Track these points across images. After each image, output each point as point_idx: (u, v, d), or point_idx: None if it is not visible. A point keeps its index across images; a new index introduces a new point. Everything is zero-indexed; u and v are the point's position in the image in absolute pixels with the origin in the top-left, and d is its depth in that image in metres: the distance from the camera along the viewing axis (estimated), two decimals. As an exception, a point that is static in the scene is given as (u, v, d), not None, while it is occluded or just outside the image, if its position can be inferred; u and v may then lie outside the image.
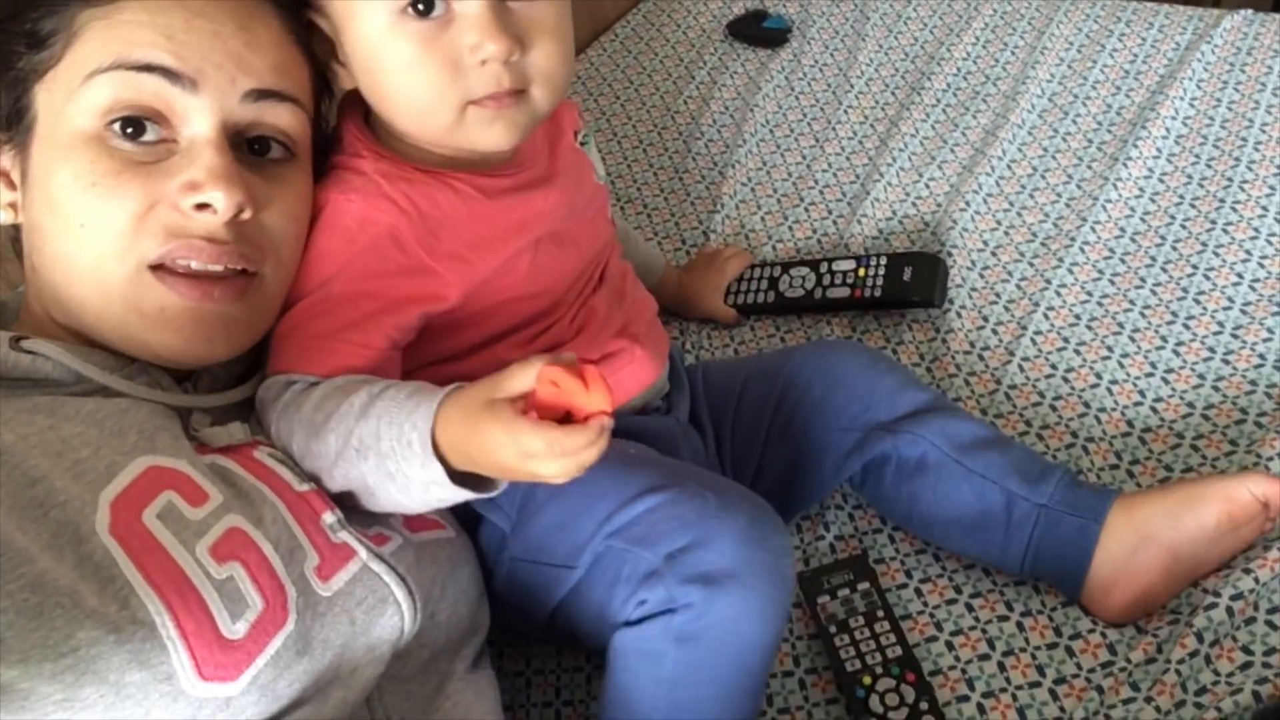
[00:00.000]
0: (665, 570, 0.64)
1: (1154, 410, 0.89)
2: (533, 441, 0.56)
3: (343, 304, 0.69)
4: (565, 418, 0.58)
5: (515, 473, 0.59)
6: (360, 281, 0.69)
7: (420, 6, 0.65)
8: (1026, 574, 0.77)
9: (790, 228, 1.17)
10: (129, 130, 0.63)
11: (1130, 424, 0.89)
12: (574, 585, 0.70)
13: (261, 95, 0.66)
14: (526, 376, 0.58)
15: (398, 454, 0.61)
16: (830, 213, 1.18)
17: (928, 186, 1.18)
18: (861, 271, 1.01)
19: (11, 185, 0.68)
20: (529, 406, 0.58)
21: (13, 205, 0.68)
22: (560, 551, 0.70)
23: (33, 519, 0.56)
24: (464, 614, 0.71)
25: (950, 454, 0.78)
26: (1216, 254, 1.02)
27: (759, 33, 1.47)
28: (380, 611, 0.64)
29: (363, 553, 0.65)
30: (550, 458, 0.57)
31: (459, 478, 0.61)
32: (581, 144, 0.83)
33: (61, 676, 0.53)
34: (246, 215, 0.65)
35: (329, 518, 0.65)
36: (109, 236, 0.63)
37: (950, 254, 1.08)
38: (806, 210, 1.19)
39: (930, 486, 0.78)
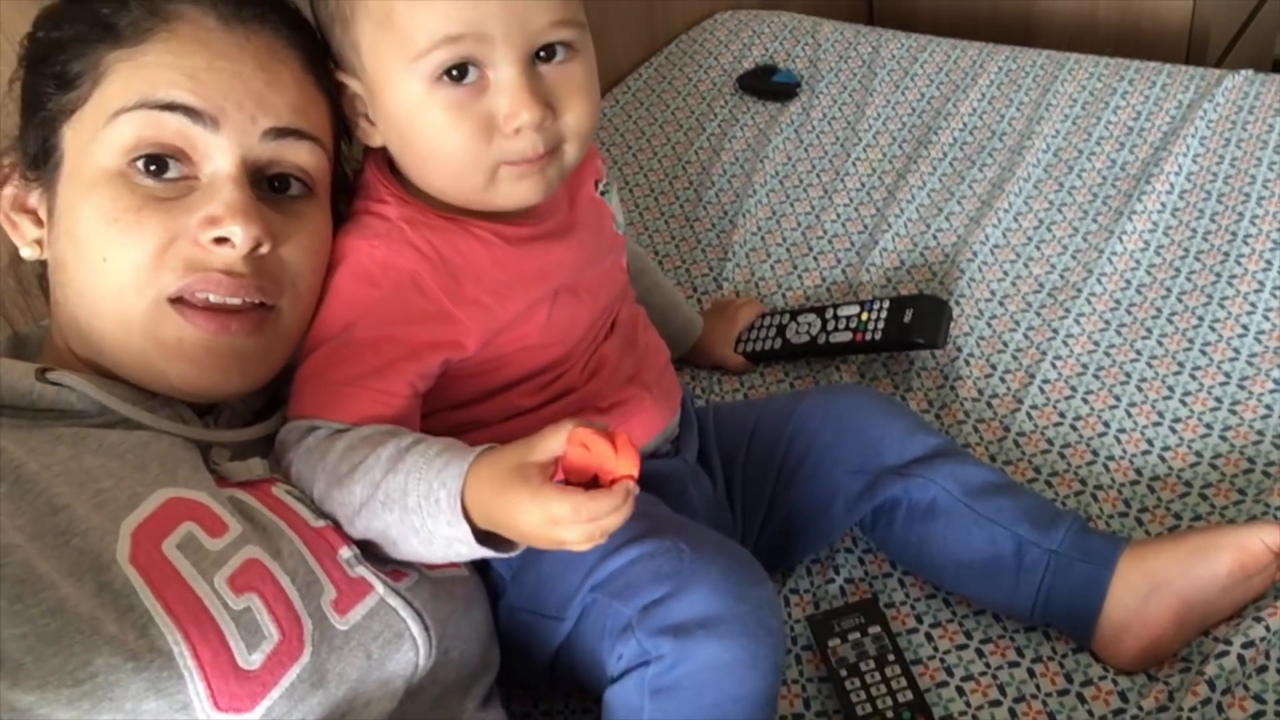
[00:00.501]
0: (637, 623, 0.65)
1: (1162, 459, 0.90)
2: (559, 507, 0.57)
3: (365, 350, 0.69)
4: (592, 483, 0.59)
5: (539, 539, 0.59)
6: (383, 327, 0.70)
7: (454, 73, 0.66)
8: (1037, 620, 0.77)
9: (800, 276, 1.18)
10: (152, 168, 0.65)
11: (1139, 472, 0.89)
12: (566, 637, 0.70)
13: (281, 134, 0.67)
14: (557, 441, 0.59)
15: (424, 510, 0.62)
16: (839, 261, 1.19)
17: (935, 238, 1.20)
18: (864, 316, 1.02)
19: (38, 222, 0.69)
20: (558, 470, 0.59)
21: (39, 241, 0.69)
22: (551, 602, 0.71)
23: (54, 546, 0.56)
24: (475, 652, 0.72)
25: (961, 498, 0.78)
26: (1222, 306, 1.04)
27: (769, 87, 1.50)
28: (396, 646, 0.64)
29: (379, 587, 0.65)
30: (575, 523, 0.58)
31: (482, 536, 0.62)
32: (602, 193, 0.84)
33: (79, 703, 0.53)
34: (264, 249, 0.66)
35: (345, 553, 0.65)
36: (130, 270, 0.64)
37: (958, 302, 1.09)
38: (815, 259, 1.20)
39: (940, 531, 0.79)
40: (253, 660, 0.58)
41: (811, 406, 0.86)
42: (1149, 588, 0.73)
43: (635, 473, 0.58)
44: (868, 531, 0.86)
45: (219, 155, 0.65)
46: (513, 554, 0.64)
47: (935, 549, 0.79)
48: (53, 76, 0.66)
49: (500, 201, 0.71)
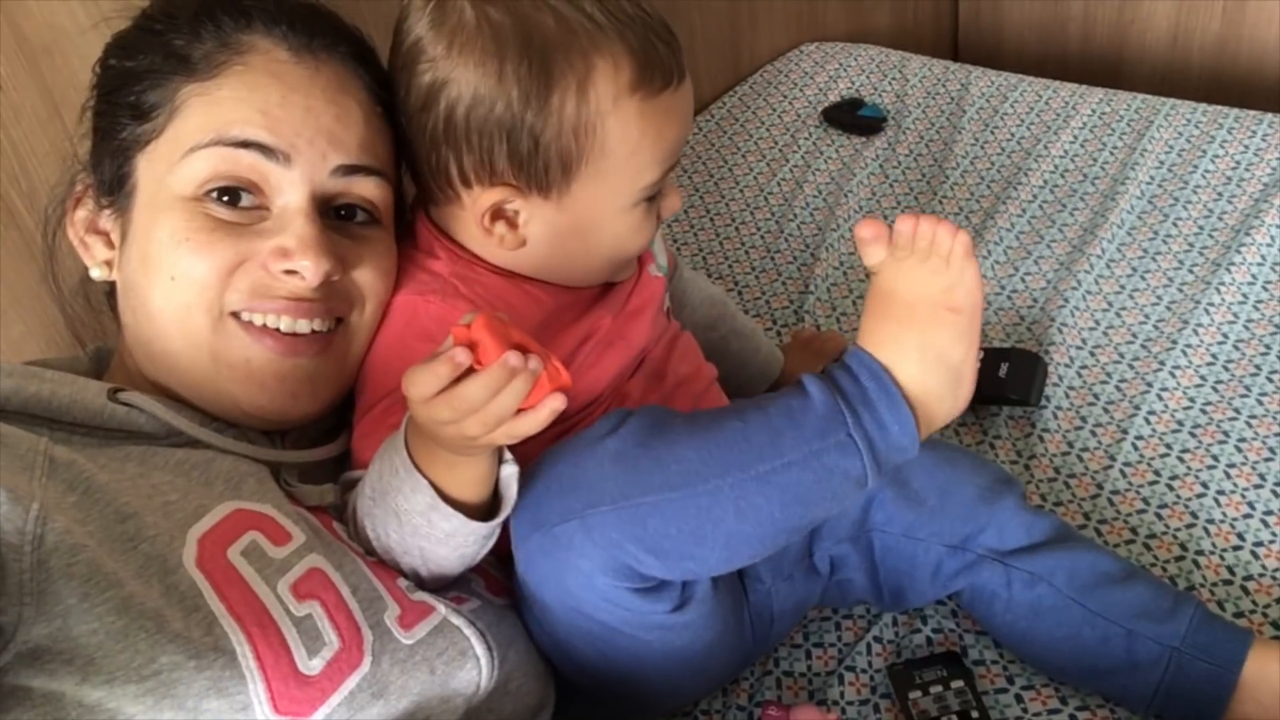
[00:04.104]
0: None
1: (1264, 524, 0.87)
2: (440, 410, 0.57)
3: None
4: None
5: (452, 443, 0.59)
6: None
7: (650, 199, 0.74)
8: (1152, 714, 0.73)
9: (883, 314, 1.16)
10: (225, 198, 0.66)
11: (1240, 537, 0.86)
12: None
13: (350, 170, 0.69)
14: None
15: (394, 488, 0.63)
16: (924, 301, 1.17)
17: (1024, 281, 1.17)
18: None
19: (110, 244, 0.71)
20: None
21: (109, 263, 0.71)
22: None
23: (123, 550, 0.58)
24: (534, 688, 0.71)
25: (1071, 595, 0.74)
26: (1326, 368, 1.00)
27: (854, 120, 1.48)
28: (460, 664, 0.65)
29: (442, 608, 0.66)
30: (461, 417, 0.56)
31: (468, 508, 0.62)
32: None
33: (144, 699, 0.55)
34: (335, 279, 0.68)
35: (404, 580, 0.66)
36: (195, 288, 0.65)
37: (1047, 351, 1.07)
38: (900, 297, 1.18)
39: (1048, 630, 0.75)
40: (313, 666, 0.59)
41: (914, 467, 0.80)
42: None
43: (492, 349, 0.56)
44: (955, 596, 0.81)
45: (290, 189, 0.67)
46: (498, 520, 0.64)
47: (1040, 645, 0.76)
48: (128, 106, 0.67)
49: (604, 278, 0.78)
